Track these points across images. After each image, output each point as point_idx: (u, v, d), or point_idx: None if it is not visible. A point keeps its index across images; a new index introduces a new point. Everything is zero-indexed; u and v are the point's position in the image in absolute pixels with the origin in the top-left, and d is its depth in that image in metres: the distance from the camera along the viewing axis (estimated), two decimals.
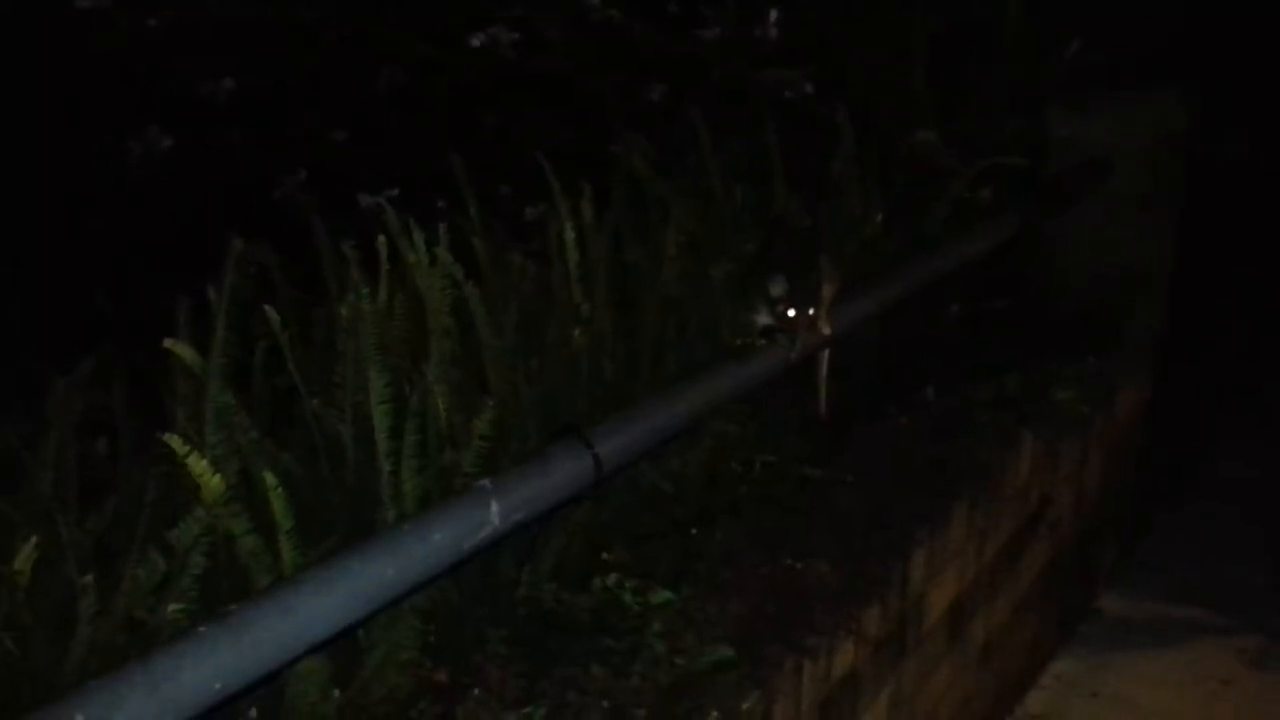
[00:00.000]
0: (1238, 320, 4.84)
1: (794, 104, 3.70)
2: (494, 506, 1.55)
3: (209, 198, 3.62)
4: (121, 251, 3.33)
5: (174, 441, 1.59)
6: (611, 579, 2.15)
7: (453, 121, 4.02)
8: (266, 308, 1.87)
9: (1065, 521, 3.55)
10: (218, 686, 1.19)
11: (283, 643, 1.27)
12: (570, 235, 2.20)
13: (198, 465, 1.62)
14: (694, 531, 2.38)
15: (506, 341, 2.30)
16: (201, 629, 1.21)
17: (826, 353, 2.55)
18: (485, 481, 1.59)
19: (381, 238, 2.10)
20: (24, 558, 1.48)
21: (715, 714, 1.88)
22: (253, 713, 1.69)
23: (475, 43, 3.96)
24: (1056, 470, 3.39)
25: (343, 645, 1.94)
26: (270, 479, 1.67)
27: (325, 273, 2.36)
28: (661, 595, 2.11)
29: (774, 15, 3.83)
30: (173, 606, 1.64)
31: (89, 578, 1.56)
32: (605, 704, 1.91)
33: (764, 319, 2.17)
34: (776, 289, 2.11)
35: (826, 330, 2.29)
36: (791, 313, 2.13)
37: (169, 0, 4.08)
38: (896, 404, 3.09)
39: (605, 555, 2.29)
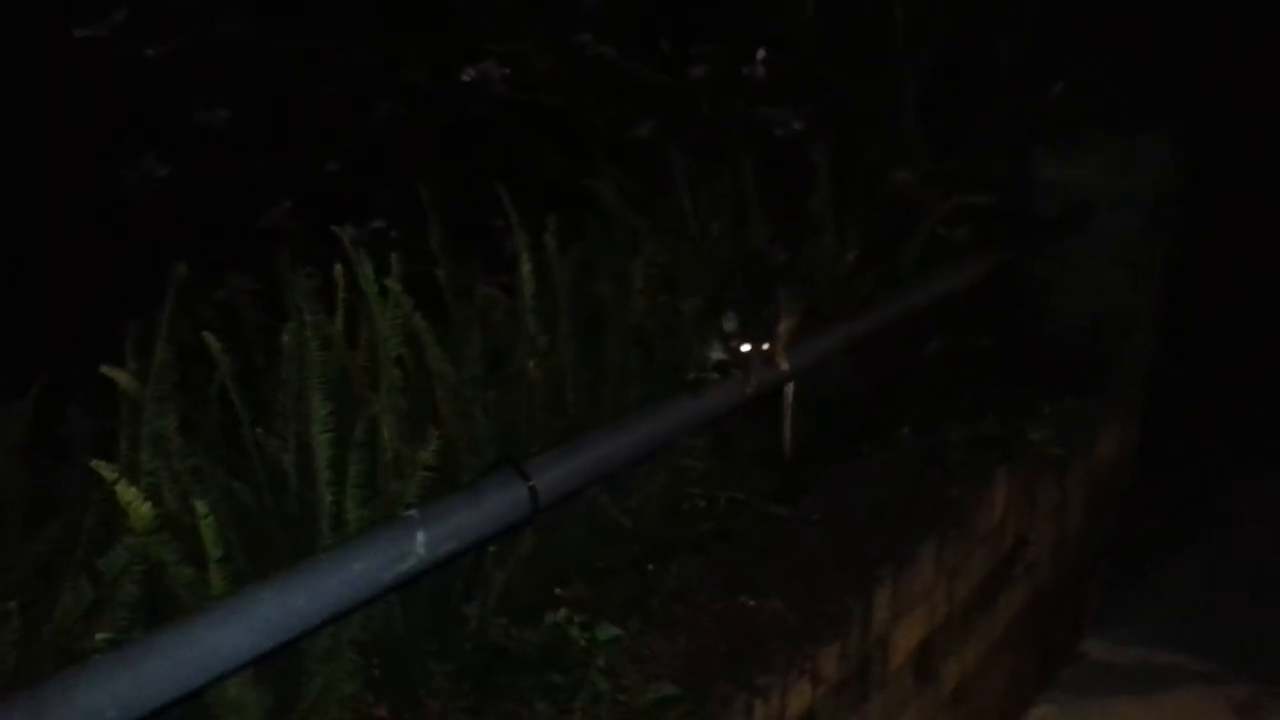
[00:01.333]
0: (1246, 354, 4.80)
1: (782, 142, 3.70)
2: (420, 537, 1.54)
3: (196, 225, 3.63)
4: (102, 274, 3.35)
5: (102, 468, 1.59)
6: (560, 614, 2.13)
7: (445, 153, 4.04)
8: (205, 334, 1.87)
9: (1044, 563, 3.51)
10: (111, 715, 1.18)
11: (183, 673, 1.26)
12: (527, 266, 2.20)
13: (126, 493, 1.62)
14: (650, 567, 2.36)
15: (467, 372, 2.30)
16: (96, 657, 1.21)
17: (791, 389, 2.54)
18: (413, 511, 1.58)
19: (339, 266, 2.10)
20: None
21: None
22: None
23: (466, 77, 3.97)
24: (1034, 511, 3.36)
25: (283, 676, 1.94)
26: (201, 508, 1.67)
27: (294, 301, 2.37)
28: (608, 631, 2.09)
29: (761, 53, 3.84)
30: (101, 635, 1.63)
31: (12, 604, 1.55)
32: None
33: (718, 353, 2.16)
34: (729, 324, 2.10)
35: (784, 366, 2.27)
36: (745, 347, 2.11)
37: (167, 28, 4.12)
38: (871, 442, 3.07)
39: (559, 590, 2.27)
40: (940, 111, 3.87)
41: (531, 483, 1.72)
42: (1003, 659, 3.33)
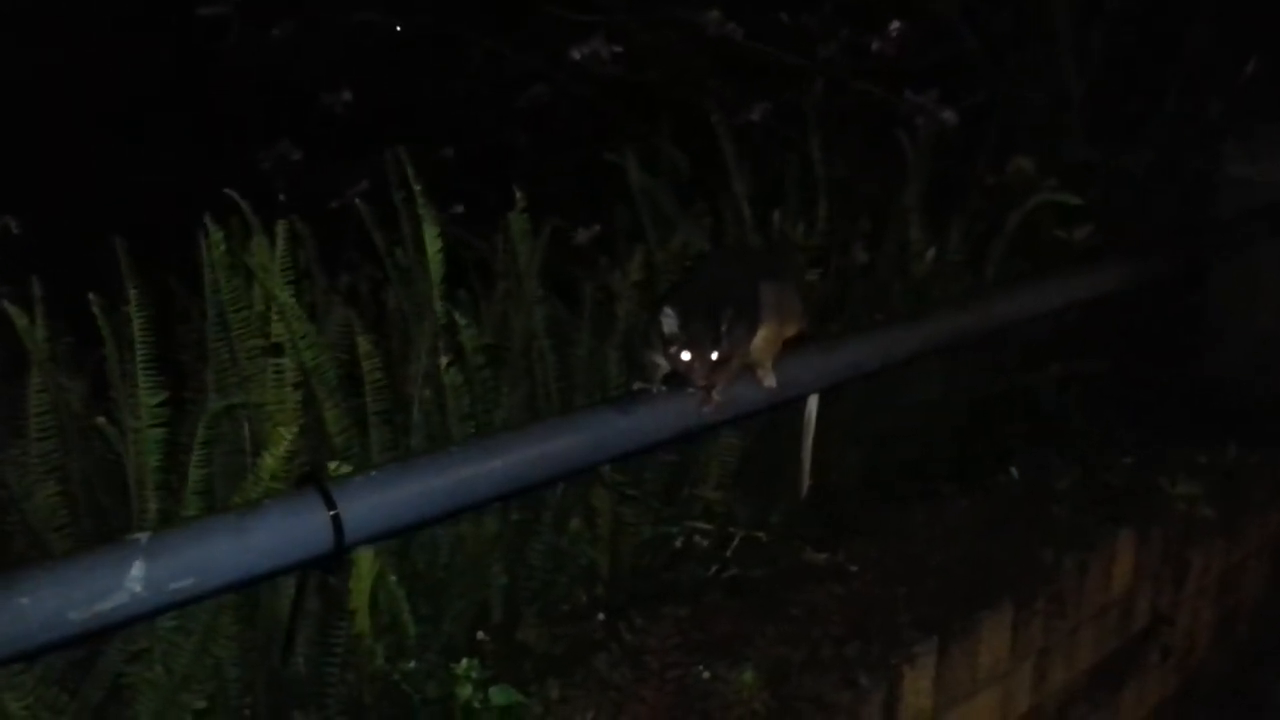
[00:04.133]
0: None
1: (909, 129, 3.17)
2: (137, 569, 1.20)
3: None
4: None
5: None
6: (463, 665, 1.76)
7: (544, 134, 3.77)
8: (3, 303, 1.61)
9: (1201, 648, 2.85)
10: None
11: None
12: (434, 246, 1.82)
13: None
14: (600, 616, 1.94)
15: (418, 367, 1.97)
16: None
17: (814, 408, 2.06)
18: (141, 535, 1.25)
19: (217, 237, 1.78)
20: None
21: None
22: None
23: (576, 55, 3.66)
24: (1182, 582, 2.71)
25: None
26: None
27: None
28: (505, 695, 1.70)
29: (895, 25, 3.33)
30: None
31: None
32: None
33: (663, 361, 1.72)
34: (668, 323, 1.65)
35: (769, 382, 1.80)
36: (684, 355, 1.66)
37: (292, 9, 4.02)
38: (957, 482, 2.53)
39: (480, 634, 1.90)
40: (1112, 98, 3.26)
41: (336, 510, 1.34)
42: None
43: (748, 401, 1.79)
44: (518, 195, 2.05)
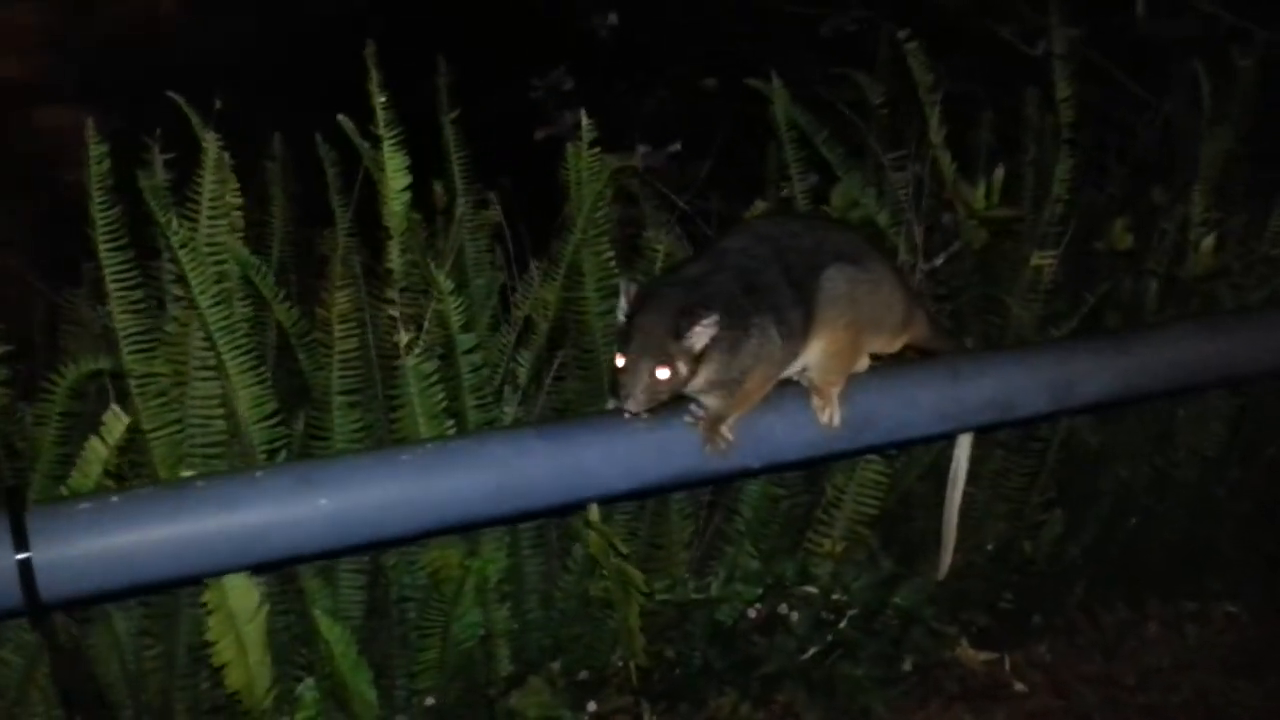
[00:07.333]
0: None
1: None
2: None
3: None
4: None
5: None
6: None
7: None
8: None
9: None
10: None
11: None
12: (399, 183, 1.30)
13: None
14: (592, 706, 1.41)
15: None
16: None
17: (963, 460, 1.40)
18: None
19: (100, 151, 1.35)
20: None
21: None
22: None
23: None
24: None
25: None
26: None
27: None
28: None
29: None
30: None
31: None
32: None
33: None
34: (621, 307, 1.08)
35: (828, 418, 1.17)
36: (619, 361, 1.06)
37: None
38: (1233, 579, 1.74)
39: (428, 701, 1.42)
40: None
41: (28, 554, 0.90)
42: None
43: (790, 445, 1.17)
44: (585, 122, 1.51)
